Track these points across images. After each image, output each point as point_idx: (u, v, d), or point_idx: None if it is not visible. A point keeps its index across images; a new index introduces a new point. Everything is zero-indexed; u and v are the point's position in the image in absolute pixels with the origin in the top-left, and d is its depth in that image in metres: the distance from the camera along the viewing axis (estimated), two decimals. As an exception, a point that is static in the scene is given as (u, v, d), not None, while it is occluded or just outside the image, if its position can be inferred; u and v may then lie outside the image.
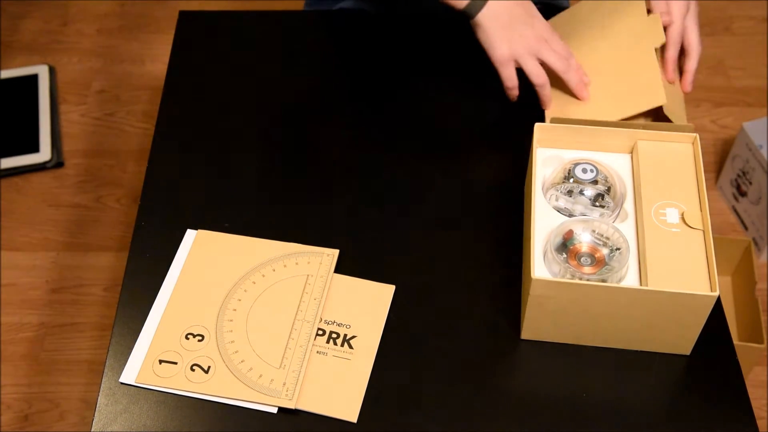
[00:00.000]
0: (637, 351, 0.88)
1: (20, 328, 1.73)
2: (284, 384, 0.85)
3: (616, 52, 1.06)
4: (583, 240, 0.88)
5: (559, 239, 0.88)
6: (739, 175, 1.82)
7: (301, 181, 1.05)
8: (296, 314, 0.90)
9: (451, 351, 0.89)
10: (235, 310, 0.91)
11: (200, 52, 1.21)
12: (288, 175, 1.05)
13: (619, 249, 0.87)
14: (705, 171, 1.94)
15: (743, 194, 1.82)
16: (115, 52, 2.26)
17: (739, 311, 1.67)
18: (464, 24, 1.22)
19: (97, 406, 0.85)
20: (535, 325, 0.87)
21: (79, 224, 1.90)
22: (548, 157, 0.95)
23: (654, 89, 0.99)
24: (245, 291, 0.92)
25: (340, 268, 0.95)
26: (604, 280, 0.85)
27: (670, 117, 1.00)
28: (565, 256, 0.87)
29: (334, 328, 0.90)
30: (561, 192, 0.92)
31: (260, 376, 0.86)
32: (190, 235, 0.98)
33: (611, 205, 0.91)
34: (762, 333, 1.54)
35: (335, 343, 0.88)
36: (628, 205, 0.92)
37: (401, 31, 1.21)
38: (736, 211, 1.86)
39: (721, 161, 1.95)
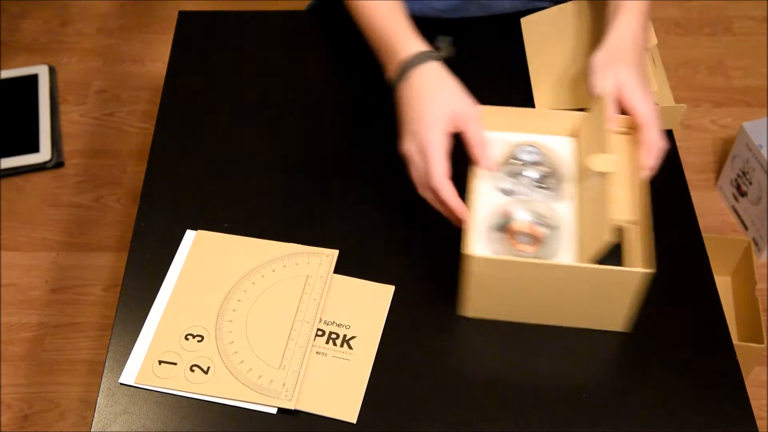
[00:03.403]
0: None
1: (20, 328, 1.73)
2: (284, 384, 0.85)
3: None
4: (522, 219, 0.89)
5: (498, 219, 0.89)
6: (739, 175, 1.82)
7: (300, 181, 1.04)
8: (296, 315, 0.90)
9: (451, 351, 0.89)
10: (234, 310, 0.91)
11: (200, 52, 1.21)
12: (288, 175, 1.05)
13: (556, 228, 0.89)
14: (705, 171, 1.95)
15: (743, 194, 1.82)
16: (115, 52, 2.26)
17: (739, 311, 1.67)
18: (464, 27, 1.22)
19: (97, 406, 0.85)
20: (475, 303, 0.88)
21: (79, 224, 1.90)
22: (494, 140, 0.96)
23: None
24: (245, 291, 0.92)
25: (339, 268, 0.94)
26: (539, 258, 0.86)
27: (657, 101, 1.03)
28: (504, 235, 0.88)
29: (334, 329, 0.90)
30: (505, 174, 0.94)
31: (260, 376, 0.86)
32: (190, 235, 0.98)
33: (554, 185, 0.93)
34: (762, 333, 1.54)
35: (335, 344, 0.88)
36: (571, 185, 0.93)
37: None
38: (736, 211, 1.86)
39: (721, 161, 1.94)
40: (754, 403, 0.98)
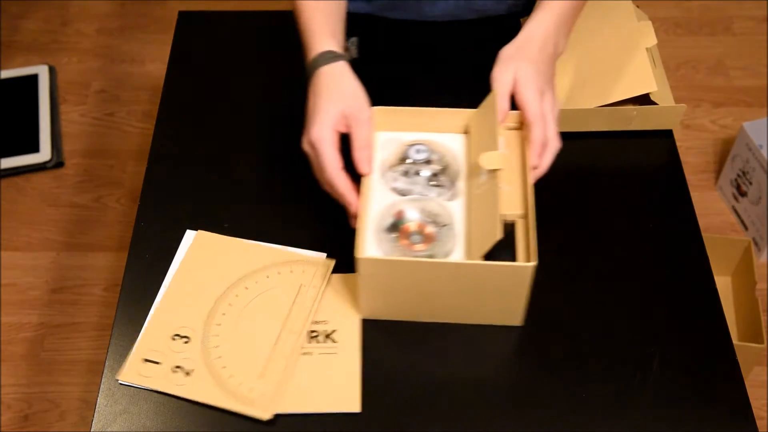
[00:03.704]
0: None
1: (20, 328, 1.73)
2: (262, 394, 0.84)
3: (611, 49, 1.08)
4: (413, 218, 0.89)
5: (389, 219, 0.90)
6: (739, 175, 1.82)
7: (301, 180, 1.04)
8: (284, 324, 0.89)
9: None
10: (224, 314, 0.90)
11: (200, 52, 1.21)
12: (288, 175, 1.05)
13: (449, 225, 0.89)
14: (705, 171, 1.95)
15: (743, 194, 1.82)
16: (115, 52, 2.26)
17: (739, 311, 1.67)
18: (462, 29, 1.22)
19: (97, 406, 0.85)
20: (371, 304, 0.89)
21: (79, 224, 1.90)
22: (388, 140, 0.97)
23: (645, 77, 1.03)
24: (237, 296, 0.92)
25: (336, 269, 0.94)
26: (432, 256, 0.86)
27: (658, 101, 1.04)
28: (395, 235, 0.88)
29: (313, 327, 0.89)
30: (398, 173, 0.94)
31: (240, 383, 0.85)
32: (190, 235, 0.98)
33: (447, 183, 0.93)
34: (762, 333, 1.54)
35: (318, 341, 0.88)
36: (464, 182, 0.94)
37: (399, 33, 1.21)
38: (736, 211, 1.86)
39: (721, 161, 1.95)
40: (754, 403, 0.99)
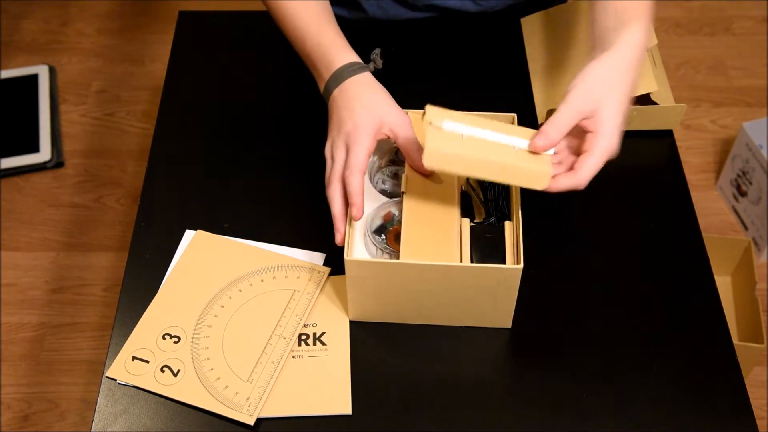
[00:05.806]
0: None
1: (20, 328, 1.73)
2: (248, 399, 0.84)
3: None
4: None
5: (378, 221, 0.90)
6: (739, 175, 1.82)
7: (300, 181, 1.04)
8: (275, 329, 0.89)
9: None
10: (216, 316, 0.90)
11: (200, 52, 1.21)
12: (288, 176, 1.05)
13: None
14: (705, 171, 1.95)
15: (743, 194, 1.82)
16: (115, 52, 2.26)
17: (739, 311, 1.67)
18: (460, 30, 1.22)
19: (97, 406, 0.85)
20: (360, 306, 0.88)
21: (79, 224, 1.90)
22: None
23: (645, 77, 1.03)
24: (230, 298, 0.92)
25: (334, 273, 0.94)
26: None
27: (658, 101, 1.04)
28: (383, 237, 0.88)
29: (303, 330, 0.89)
30: (387, 175, 0.94)
31: (226, 387, 0.85)
32: (189, 235, 0.98)
33: None
34: (762, 333, 1.54)
35: (307, 344, 0.88)
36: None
37: (397, 34, 1.21)
38: (736, 211, 1.86)
39: (721, 161, 1.95)
40: (754, 403, 0.99)
